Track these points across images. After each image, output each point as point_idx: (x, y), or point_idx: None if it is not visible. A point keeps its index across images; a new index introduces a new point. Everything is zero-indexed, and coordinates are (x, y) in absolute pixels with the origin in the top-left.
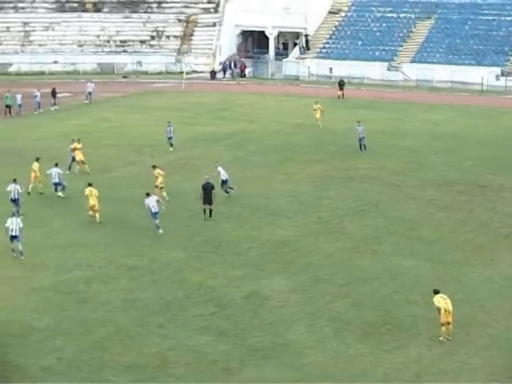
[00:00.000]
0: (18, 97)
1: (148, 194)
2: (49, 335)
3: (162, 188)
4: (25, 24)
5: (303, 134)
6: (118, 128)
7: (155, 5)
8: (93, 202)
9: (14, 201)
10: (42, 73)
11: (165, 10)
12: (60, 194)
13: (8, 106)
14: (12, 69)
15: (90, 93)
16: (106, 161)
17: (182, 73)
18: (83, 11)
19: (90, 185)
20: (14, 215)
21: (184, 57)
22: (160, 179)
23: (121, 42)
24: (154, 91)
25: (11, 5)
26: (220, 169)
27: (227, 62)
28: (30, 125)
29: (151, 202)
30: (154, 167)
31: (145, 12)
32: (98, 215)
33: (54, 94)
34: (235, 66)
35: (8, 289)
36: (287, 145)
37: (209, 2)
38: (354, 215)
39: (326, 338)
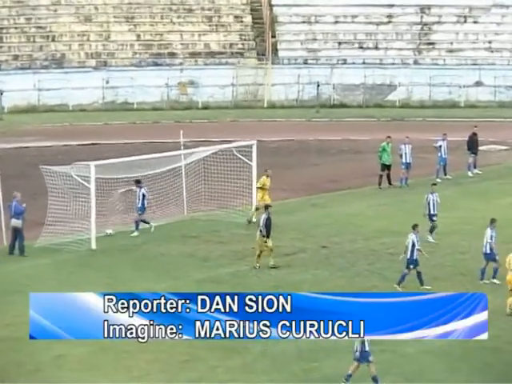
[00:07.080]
0: (406, 148)
1: None
2: None
3: None
4: None
5: None
6: None
7: None
8: None
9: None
10: (453, 104)
11: None
12: None
13: (386, 166)
14: (395, 95)
15: None
16: None
17: None
18: None
19: None
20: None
21: None
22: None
23: None
24: None
25: None
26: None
27: None
28: (415, 202)
29: None
30: None
31: None
32: None
33: (472, 143)
34: None
35: None
36: None
37: None
38: None
39: None
